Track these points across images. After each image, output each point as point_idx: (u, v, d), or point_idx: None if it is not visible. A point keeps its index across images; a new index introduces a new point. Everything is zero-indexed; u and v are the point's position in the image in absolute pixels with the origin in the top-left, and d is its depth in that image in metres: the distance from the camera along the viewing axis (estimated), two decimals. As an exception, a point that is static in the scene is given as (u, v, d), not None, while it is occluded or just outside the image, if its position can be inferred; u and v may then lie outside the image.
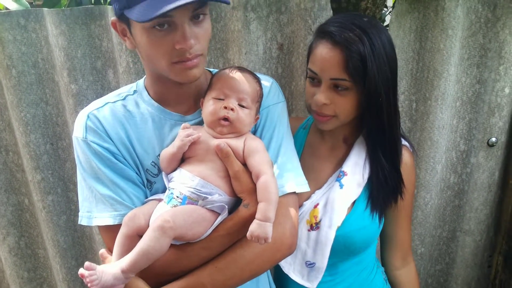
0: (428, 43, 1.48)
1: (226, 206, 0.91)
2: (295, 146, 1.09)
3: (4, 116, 1.60)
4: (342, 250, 1.13)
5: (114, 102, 1.00)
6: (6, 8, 1.50)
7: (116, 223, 0.92)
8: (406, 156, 1.17)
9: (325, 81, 1.04)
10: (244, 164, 0.93)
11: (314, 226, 1.12)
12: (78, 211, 0.98)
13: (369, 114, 1.07)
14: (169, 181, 0.95)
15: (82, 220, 0.96)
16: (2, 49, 1.45)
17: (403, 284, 1.28)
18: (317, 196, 1.15)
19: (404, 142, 1.19)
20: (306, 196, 1.15)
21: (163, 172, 0.97)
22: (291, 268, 1.16)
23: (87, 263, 0.83)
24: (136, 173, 0.97)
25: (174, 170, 0.95)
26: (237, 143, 0.93)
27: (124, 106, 0.99)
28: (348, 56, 0.98)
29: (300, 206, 1.15)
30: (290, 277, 1.16)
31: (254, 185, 0.90)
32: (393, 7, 1.49)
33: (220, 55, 1.48)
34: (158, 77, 0.96)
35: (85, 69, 1.49)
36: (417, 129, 1.61)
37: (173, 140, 0.95)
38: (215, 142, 0.92)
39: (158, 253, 0.84)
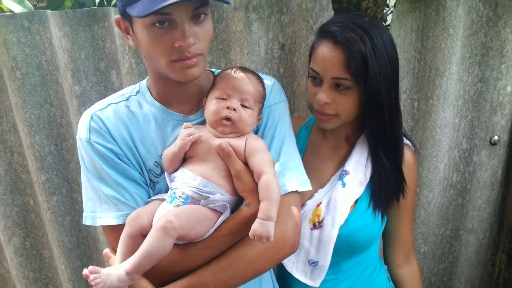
0: (429, 42, 1.49)
1: (228, 206, 0.92)
2: (297, 145, 1.10)
3: (9, 117, 1.61)
4: (345, 249, 1.14)
5: (117, 103, 1.01)
6: (11, 11, 1.51)
7: (120, 223, 0.93)
8: (408, 155, 1.17)
9: (327, 81, 1.04)
10: (246, 164, 0.93)
11: (317, 225, 1.12)
12: (83, 212, 0.99)
13: (370, 113, 1.08)
14: (171, 180, 0.95)
15: (86, 220, 0.97)
16: (6, 51, 1.46)
17: (406, 282, 1.28)
18: (320, 195, 1.16)
19: (406, 141, 1.19)
20: (309, 195, 1.16)
21: (165, 172, 0.98)
22: (294, 266, 1.17)
23: (91, 267, 0.84)
24: (139, 173, 0.98)
25: (176, 169, 0.96)
26: (238, 143, 0.93)
27: (127, 106, 1.00)
28: (349, 56, 0.99)
29: (303, 205, 1.15)
30: (293, 276, 1.16)
31: (256, 184, 0.91)
32: (394, 6, 1.50)
33: (222, 56, 1.48)
34: (160, 77, 0.97)
35: (88, 70, 1.50)
36: (419, 128, 1.61)
37: (175, 140, 0.96)
38: (216, 141, 0.93)
39: (161, 253, 0.84)
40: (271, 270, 1.20)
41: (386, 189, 1.14)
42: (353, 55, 0.99)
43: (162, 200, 0.95)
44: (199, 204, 0.90)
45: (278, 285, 1.22)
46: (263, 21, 1.42)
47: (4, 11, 1.60)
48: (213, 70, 1.10)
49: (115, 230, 0.94)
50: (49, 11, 1.47)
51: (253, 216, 0.87)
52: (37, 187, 1.65)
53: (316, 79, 1.08)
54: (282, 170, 0.97)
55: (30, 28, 1.47)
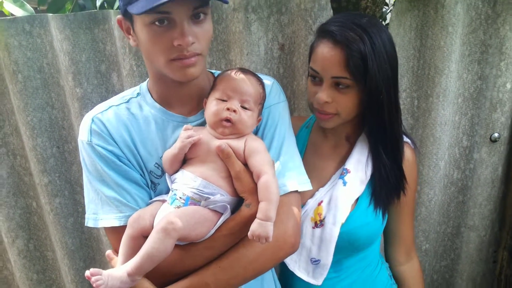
0: (428, 40, 1.49)
1: (228, 206, 0.92)
2: (298, 145, 1.10)
3: (11, 120, 1.62)
4: (346, 247, 1.14)
5: (118, 105, 1.01)
6: (12, 15, 1.52)
7: (121, 225, 0.94)
8: (408, 153, 1.18)
9: (327, 80, 1.05)
10: (246, 164, 0.94)
11: (319, 223, 1.13)
12: (85, 213, 1.00)
13: (370, 112, 1.09)
14: (172, 182, 0.96)
15: (89, 222, 0.98)
16: (8, 54, 1.47)
17: (407, 279, 1.29)
18: (321, 193, 1.16)
19: (406, 139, 1.19)
20: (310, 194, 1.17)
21: (166, 174, 0.98)
22: (296, 265, 1.17)
23: (92, 269, 0.85)
24: (140, 174, 0.99)
25: (177, 171, 0.97)
26: (238, 144, 0.94)
27: (128, 109, 1.01)
28: (349, 55, 1.00)
29: (304, 204, 1.16)
30: (295, 275, 1.17)
31: (255, 185, 0.91)
32: (393, 5, 1.50)
33: (222, 57, 1.49)
34: (160, 78, 0.98)
35: (89, 73, 1.51)
36: (419, 126, 1.61)
37: (175, 141, 0.96)
38: (216, 143, 0.93)
39: (162, 254, 0.85)
40: (273, 269, 1.20)
41: (386, 186, 1.14)
42: (352, 54, 1.00)
43: (163, 201, 0.95)
44: (199, 205, 0.91)
45: (280, 284, 1.22)
46: (262, 22, 1.42)
47: (5, 15, 1.60)
48: (213, 71, 1.11)
49: (117, 232, 0.94)
50: (50, 14, 1.48)
51: (253, 217, 0.87)
52: (40, 189, 1.66)
53: (316, 78, 1.08)
54: (282, 170, 0.97)
55: (31, 32, 1.47)
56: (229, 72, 1.00)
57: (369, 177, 1.15)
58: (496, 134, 1.65)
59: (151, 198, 0.99)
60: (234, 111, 0.93)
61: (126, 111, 1.00)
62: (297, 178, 0.98)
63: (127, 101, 1.03)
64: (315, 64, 1.07)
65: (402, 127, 1.18)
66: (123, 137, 0.98)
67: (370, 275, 1.23)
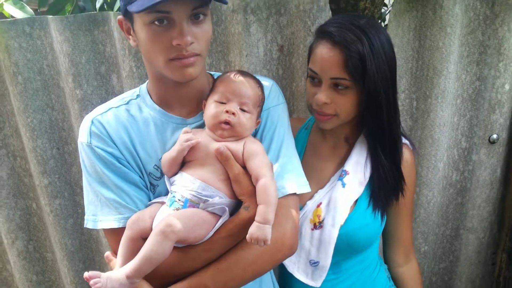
0: (427, 41, 1.49)
1: (227, 209, 0.92)
2: (297, 146, 1.10)
3: (11, 122, 1.63)
4: (345, 249, 1.14)
5: (118, 107, 1.02)
6: (12, 17, 1.53)
7: (120, 226, 0.94)
8: (406, 154, 1.18)
9: (326, 81, 1.05)
10: (244, 167, 0.94)
11: (318, 225, 1.13)
12: (85, 215, 1.00)
13: (369, 113, 1.09)
14: (171, 184, 0.96)
15: (88, 223, 0.98)
16: (8, 56, 1.47)
17: (406, 281, 1.29)
18: (320, 195, 1.17)
19: (404, 140, 1.20)
20: (309, 195, 1.17)
21: (165, 176, 0.98)
22: (295, 267, 1.17)
23: (91, 272, 0.85)
24: (140, 176, 0.99)
25: (176, 173, 0.97)
26: (236, 146, 0.94)
27: (127, 110, 1.01)
28: (347, 56, 1.00)
29: (303, 205, 1.16)
30: (294, 276, 1.17)
31: (254, 187, 0.91)
32: (392, 6, 1.50)
33: (221, 58, 1.49)
34: (160, 79, 0.98)
35: (89, 74, 1.51)
36: (418, 127, 1.61)
37: (175, 143, 0.97)
38: (215, 145, 0.93)
39: (161, 257, 0.85)
40: (272, 271, 1.20)
41: (385, 188, 1.14)
42: (351, 55, 1.00)
43: (162, 203, 0.96)
44: (198, 207, 0.91)
45: (279, 286, 1.22)
46: (261, 23, 1.43)
47: (5, 17, 1.61)
48: (212, 72, 1.11)
49: (116, 233, 0.95)
50: (50, 16, 1.48)
51: (252, 219, 0.87)
52: (40, 191, 1.66)
53: (315, 79, 1.09)
54: (281, 172, 0.97)
55: (31, 34, 1.48)
56: (228, 74, 1.00)
57: (367, 179, 1.15)
58: (494, 136, 1.65)
59: (150, 200, 0.99)
60: (233, 113, 0.93)
61: (125, 113, 1.01)
62: (295, 181, 0.99)
63: (127, 103, 1.03)
64: (314, 65, 1.08)
65: (401, 128, 1.18)
66: (122, 139, 0.98)
67: (369, 277, 1.23)
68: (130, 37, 0.95)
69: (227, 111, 0.93)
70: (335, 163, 1.21)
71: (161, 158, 0.98)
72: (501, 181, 1.75)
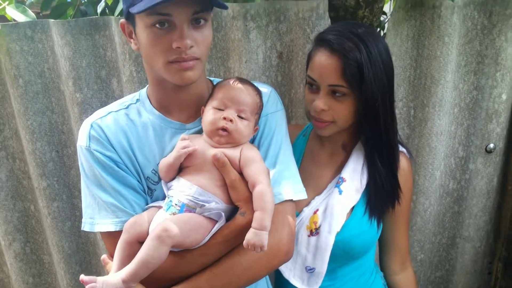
0: (425, 50, 1.51)
1: (223, 214, 0.93)
2: (295, 153, 1.11)
3: (11, 124, 1.63)
4: (341, 255, 1.14)
5: (117, 111, 1.02)
6: (14, 20, 1.54)
7: (117, 230, 0.94)
8: (403, 162, 1.19)
9: (324, 88, 1.06)
10: (241, 173, 0.94)
11: (314, 231, 1.13)
12: (82, 217, 1.01)
13: (366, 120, 1.09)
14: (168, 189, 0.97)
15: (85, 226, 0.99)
16: (9, 59, 1.48)
17: (402, 289, 1.29)
18: (317, 202, 1.17)
19: (401, 148, 1.20)
20: (306, 202, 1.17)
21: (162, 181, 0.99)
22: (291, 273, 1.18)
23: (86, 278, 0.86)
24: (138, 180, 1.00)
25: (173, 178, 0.97)
26: (233, 153, 0.94)
27: (126, 115, 1.02)
28: (345, 64, 1.01)
29: (300, 212, 1.16)
30: (290, 283, 1.17)
31: (251, 193, 0.91)
32: (391, 15, 1.52)
33: (221, 64, 1.50)
34: (159, 83, 0.99)
35: (89, 78, 1.52)
36: (415, 136, 1.62)
37: (173, 148, 0.97)
38: (212, 151, 0.94)
39: (157, 261, 0.85)
40: (267, 276, 1.20)
41: (381, 195, 1.15)
42: (349, 62, 1.01)
43: (159, 207, 0.96)
44: (194, 212, 0.92)
45: (275, 291, 1.23)
46: (261, 30, 1.44)
47: (7, 20, 1.62)
48: (212, 78, 1.11)
49: (113, 236, 0.95)
50: (52, 20, 1.49)
51: (248, 225, 0.87)
52: (38, 193, 1.66)
53: (313, 86, 1.10)
54: (278, 178, 0.98)
55: (33, 37, 1.49)
56: (227, 81, 1.00)
57: (364, 186, 1.16)
58: (491, 145, 1.66)
59: (147, 204, 1.00)
60: (231, 120, 0.94)
61: (125, 117, 1.01)
62: (292, 187, 0.99)
63: (126, 107, 1.04)
64: (312, 72, 1.09)
65: (398, 136, 1.19)
66: (121, 143, 0.98)
67: (364, 284, 1.23)
68: (132, 40, 0.96)
69: (224, 118, 0.94)
70: (332, 170, 1.22)
71: (159, 163, 0.99)
72: (498, 190, 1.75)
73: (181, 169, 0.98)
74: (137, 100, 1.06)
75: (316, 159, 1.24)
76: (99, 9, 1.62)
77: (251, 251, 0.86)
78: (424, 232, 1.73)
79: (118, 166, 0.97)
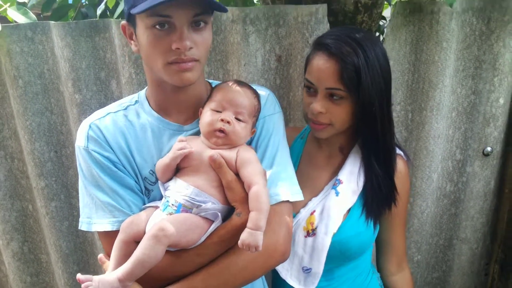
0: (423, 55, 1.52)
1: (219, 214, 0.93)
2: (292, 155, 1.11)
3: (10, 124, 1.64)
4: (338, 256, 1.15)
5: (116, 112, 1.03)
6: (15, 21, 1.54)
7: (114, 229, 0.95)
8: (400, 165, 1.19)
9: (321, 91, 1.07)
10: (237, 174, 0.95)
11: (311, 232, 1.14)
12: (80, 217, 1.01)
13: (363, 123, 1.10)
14: (165, 189, 0.97)
15: (82, 225, 0.99)
16: (9, 60, 1.49)
17: (398, 289, 1.30)
18: (314, 203, 1.18)
19: (398, 151, 1.21)
20: (303, 203, 1.18)
21: (159, 181, 1.00)
22: (288, 273, 1.18)
23: (82, 277, 0.86)
24: (135, 181, 1.00)
25: (170, 179, 0.98)
26: (230, 154, 0.95)
27: (125, 116, 1.03)
28: (343, 67, 1.02)
29: (297, 213, 1.17)
30: (287, 283, 1.18)
31: (247, 194, 0.92)
32: (390, 20, 1.53)
33: (220, 67, 1.51)
34: (158, 84, 0.99)
35: (89, 79, 1.52)
36: (413, 139, 1.63)
37: (171, 149, 0.98)
38: (209, 153, 0.94)
39: (153, 260, 0.86)
40: (263, 277, 1.21)
41: (378, 197, 1.16)
42: (346, 66, 1.02)
43: (156, 207, 0.97)
44: (191, 212, 0.92)
45: (271, 292, 1.24)
46: (260, 34, 1.45)
47: (9, 22, 1.63)
48: (211, 81, 1.12)
49: (110, 236, 0.96)
50: (52, 22, 1.50)
51: (244, 225, 0.88)
52: (36, 193, 1.67)
53: (311, 89, 1.11)
54: (275, 180, 0.98)
55: (33, 38, 1.49)
56: (225, 83, 1.01)
57: (361, 188, 1.16)
58: (489, 148, 1.67)
59: (144, 204, 1.00)
60: (228, 122, 0.95)
61: (123, 118, 1.02)
62: (289, 188, 0.99)
63: (125, 108, 1.04)
64: (310, 75, 1.10)
65: (395, 139, 1.20)
66: (119, 144, 0.99)
67: (361, 284, 1.24)
68: (132, 42, 0.97)
69: (222, 120, 0.95)
70: (329, 172, 1.22)
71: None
72: (495, 193, 1.76)
73: (178, 169, 0.98)
74: (136, 101, 1.06)
75: (313, 161, 1.25)
76: (98, 12, 1.63)
77: (246, 251, 0.87)
78: (421, 234, 1.74)
79: (115, 167, 0.98)
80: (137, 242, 0.89)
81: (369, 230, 1.17)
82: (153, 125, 1.02)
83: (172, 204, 0.92)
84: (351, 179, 1.17)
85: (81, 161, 0.99)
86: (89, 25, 1.48)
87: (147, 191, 1.01)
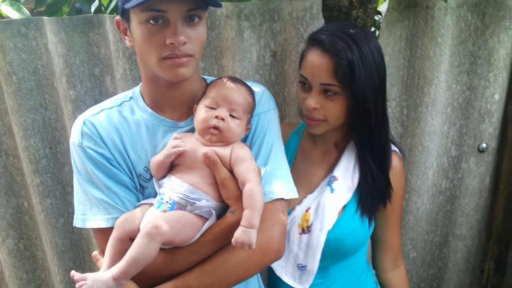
0: (418, 50, 1.52)
1: (214, 212, 0.93)
2: (288, 151, 1.12)
3: (4, 121, 1.63)
4: (332, 253, 1.15)
5: (110, 108, 1.03)
6: (8, 17, 1.54)
7: (109, 226, 0.95)
8: (395, 161, 1.20)
9: (316, 86, 1.07)
10: (232, 172, 0.95)
11: (306, 229, 1.14)
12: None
13: (357, 119, 1.10)
14: (159, 186, 0.97)
15: (77, 222, 0.99)
16: (3, 56, 1.48)
17: (394, 286, 1.30)
18: (309, 200, 1.18)
19: (393, 147, 1.21)
20: (298, 200, 1.18)
21: (153, 178, 0.99)
22: (283, 270, 1.18)
23: (77, 276, 0.86)
24: (129, 178, 1.00)
25: (164, 176, 0.98)
26: (224, 151, 0.95)
27: (119, 112, 1.02)
28: (337, 63, 1.02)
29: (292, 210, 1.17)
30: (282, 280, 1.18)
31: (241, 192, 0.92)
32: (385, 15, 1.53)
33: (214, 62, 1.50)
34: (153, 80, 0.99)
35: (83, 75, 1.52)
36: (408, 135, 1.63)
37: (165, 146, 0.98)
38: (203, 150, 0.94)
39: (147, 258, 0.86)
40: (258, 274, 1.21)
41: (373, 194, 1.16)
42: (340, 62, 1.02)
43: (151, 204, 0.96)
44: (185, 210, 0.92)
45: (267, 288, 1.24)
46: (254, 29, 1.44)
47: (2, 17, 1.62)
48: (205, 77, 1.12)
49: (105, 233, 0.95)
50: (46, 17, 1.49)
51: (238, 223, 0.88)
52: (32, 190, 1.66)
53: (306, 85, 1.10)
54: (270, 177, 0.98)
55: (26, 34, 1.49)
56: (220, 80, 1.01)
57: (356, 185, 1.16)
58: (484, 145, 1.67)
59: (139, 201, 1.00)
60: (222, 119, 0.94)
61: (118, 115, 1.02)
62: (284, 186, 0.99)
63: (120, 105, 1.04)
64: (304, 71, 1.10)
65: (391, 136, 1.20)
66: (113, 140, 0.99)
67: (356, 282, 1.24)
68: (126, 37, 0.97)
69: (216, 117, 0.94)
70: (324, 169, 1.22)
71: None
72: (490, 189, 1.77)
73: (173, 166, 0.98)
74: (130, 97, 1.06)
75: (308, 158, 1.25)
76: (92, 9, 1.62)
77: (240, 249, 0.87)
78: (417, 231, 1.74)
79: (110, 163, 0.98)
80: (131, 239, 0.89)
81: (364, 227, 1.17)
82: (147, 121, 1.01)
83: (166, 202, 0.92)
84: (346, 175, 1.17)
85: (76, 157, 0.99)
86: (83, 20, 1.47)
87: (142, 188, 1.01)
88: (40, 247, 1.80)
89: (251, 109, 1.01)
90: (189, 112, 1.03)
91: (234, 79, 1.01)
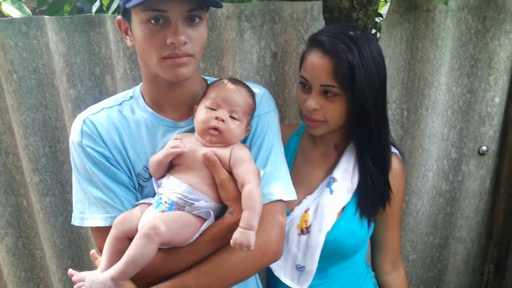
0: (418, 53, 1.52)
1: (212, 212, 0.93)
2: (287, 152, 1.12)
3: (4, 119, 1.63)
4: (331, 254, 1.15)
5: (110, 107, 1.03)
6: (9, 16, 1.54)
7: (107, 225, 0.95)
8: (395, 163, 1.19)
9: (316, 88, 1.07)
10: (231, 173, 0.95)
11: (305, 230, 1.14)
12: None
13: (357, 121, 1.10)
14: (158, 186, 0.97)
15: (75, 220, 0.99)
16: (4, 54, 1.48)
17: (393, 288, 1.30)
18: (308, 201, 1.18)
19: (393, 149, 1.21)
20: (297, 201, 1.18)
21: (152, 178, 0.99)
22: (282, 271, 1.18)
23: (75, 277, 0.86)
24: (128, 177, 1.00)
25: (163, 175, 0.98)
26: (224, 152, 0.95)
27: (119, 111, 1.02)
28: (337, 64, 1.02)
29: (291, 211, 1.17)
30: (281, 280, 1.18)
31: (240, 193, 0.92)
32: (385, 17, 1.53)
33: (215, 63, 1.50)
34: (153, 80, 0.99)
35: (83, 74, 1.52)
36: (408, 137, 1.63)
37: (165, 145, 0.98)
38: (203, 150, 0.94)
39: (145, 259, 0.86)
40: (257, 275, 1.21)
41: (372, 196, 1.16)
42: (340, 63, 1.02)
43: (149, 204, 0.96)
44: (184, 210, 0.92)
45: (265, 289, 1.24)
46: (255, 30, 1.44)
47: (4, 16, 1.62)
48: (206, 78, 1.12)
49: (102, 232, 0.95)
50: (47, 16, 1.49)
51: (236, 224, 0.88)
52: (31, 188, 1.66)
53: (306, 86, 1.11)
54: (269, 179, 0.98)
55: (27, 33, 1.49)
56: (220, 81, 1.01)
57: (355, 186, 1.16)
58: (484, 147, 1.67)
59: (137, 201, 1.00)
60: (223, 120, 0.94)
61: (118, 114, 1.02)
62: (283, 188, 0.99)
63: (120, 104, 1.04)
64: (305, 72, 1.10)
65: (391, 138, 1.20)
66: (113, 139, 0.99)
67: (355, 283, 1.24)
68: (127, 37, 0.97)
69: (216, 118, 0.94)
70: (324, 170, 1.22)
71: None
72: (490, 192, 1.76)
73: (172, 166, 0.98)
74: (131, 97, 1.06)
75: (308, 159, 1.25)
76: (94, 9, 1.63)
77: (238, 250, 0.87)
78: (417, 233, 1.74)
79: (109, 162, 0.98)
80: (129, 238, 0.89)
81: (363, 229, 1.16)
82: (147, 121, 1.02)
83: (165, 202, 0.92)
84: (345, 177, 1.17)
85: (75, 156, 0.99)
86: (84, 20, 1.48)
87: (140, 187, 1.01)
88: (39, 245, 1.80)
89: (251, 110, 1.01)
90: (189, 112, 1.03)
91: (234, 81, 1.01)
